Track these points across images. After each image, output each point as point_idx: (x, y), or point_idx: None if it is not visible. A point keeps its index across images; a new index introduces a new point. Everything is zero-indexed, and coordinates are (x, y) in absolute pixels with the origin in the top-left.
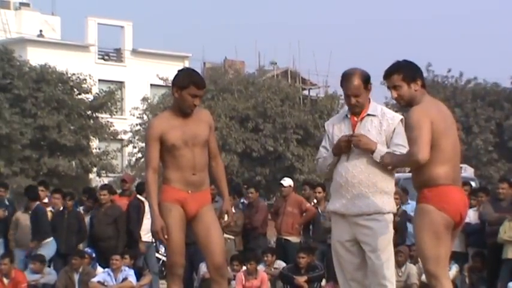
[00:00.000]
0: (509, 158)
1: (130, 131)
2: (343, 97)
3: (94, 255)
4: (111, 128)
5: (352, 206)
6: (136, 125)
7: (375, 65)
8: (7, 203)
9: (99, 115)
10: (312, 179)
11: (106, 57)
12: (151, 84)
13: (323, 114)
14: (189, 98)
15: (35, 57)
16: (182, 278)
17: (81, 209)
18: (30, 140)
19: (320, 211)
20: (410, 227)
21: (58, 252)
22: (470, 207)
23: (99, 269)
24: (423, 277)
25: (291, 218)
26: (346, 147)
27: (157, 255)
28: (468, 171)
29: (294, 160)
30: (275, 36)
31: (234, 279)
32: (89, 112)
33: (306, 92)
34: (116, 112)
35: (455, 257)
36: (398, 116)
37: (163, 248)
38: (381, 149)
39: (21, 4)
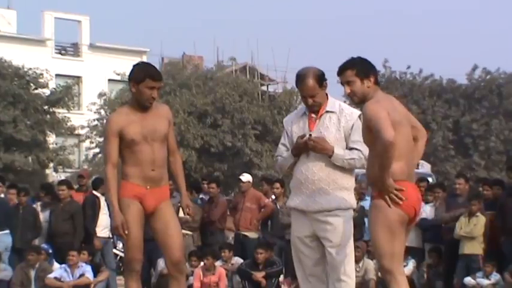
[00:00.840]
0: (465, 154)
1: (88, 126)
2: None
3: (50, 251)
4: (68, 123)
5: (313, 203)
6: (94, 120)
7: (333, 61)
8: None
9: (56, 110)
10: (270, 175)
11: (63, 52)
12: (108, 79)
13: (281, 110)
14: (146, 91)
15: None
16: (140, 274)
17: (38, 204)
18: None
19: (278, 207)
20: (367, 222)
21: (13, 248)
22: (427, 202)
23: (56, 265)
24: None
25: (250, 213)
26: (305, 147)
27: (115, 251)
28: (425, 167)
29: (253, 156)
30: (234, 31)
31: (192, 275)
32: (46, 107)
33: (264, 88)
34: (73, 107)
35: (412, 253)
36: (357, 112)
37: (121, 244)
38: (338, 153)
39: None
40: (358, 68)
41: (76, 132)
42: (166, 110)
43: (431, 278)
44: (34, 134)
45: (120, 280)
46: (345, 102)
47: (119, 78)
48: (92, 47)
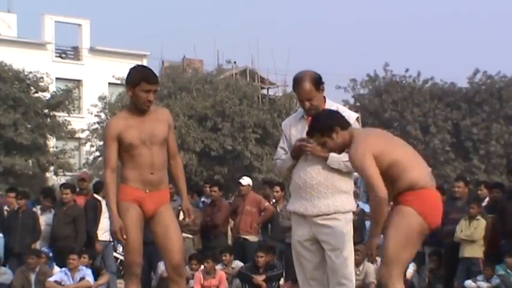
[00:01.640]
0: (465, 158)
1: (88, 130)
2: None
3: (51, 254)
4: (69, 127)
5: (312, 207)
6: (94, 123)
7: (334, 64)
8: None
9: (57, 113)
10: (271, 178)
11: (63, 55)
12: (109, 83)
13: (281, 113)
14: (142, 94)
15: None
16: (140, 277)
17: (38, 208)
18: None
19: (278, 210)
20: (368, 225)
21: (12, 252)
22: None
23: (56, 269)
24: None
25: (250, 217)
26: (304, 150)
27: (115, 254)
28: None
29: (253, 159)
30: (234, 35)
31: (192, 279)
32: (46, 110)
33: (264, 91)
34: (74, 111)
35: None
36: (355, 114)
37: (121, 248)
38: (334, 155)
39: None
40: (319, 130)
41: (76, 135)
42: (166, 114)
43: (431, 281)
44: (34, 137)
45: (120, 284)
46: (344, 105)
47: (119, 82)
48: (92, 50)
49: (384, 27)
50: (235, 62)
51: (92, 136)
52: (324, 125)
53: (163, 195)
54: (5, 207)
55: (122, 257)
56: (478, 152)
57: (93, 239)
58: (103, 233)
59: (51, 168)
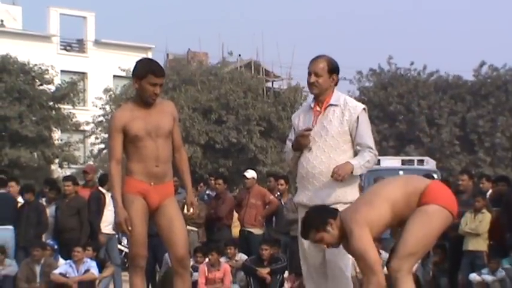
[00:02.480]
0: (471, 151)
1: (93, 122)
2: (306, 89)
3: (56, 246)
4: (74, 119)
5: (315, 197)
6: (99, 116)
7: (339, 58)
8: None
9: (62, 106)
10: (275, 171)
11: (68, 48)
12: (114, 75)
13: (286, 106)
14: (148, 87)
15: None
16: (144, 269)
17: (43, 200)
18: None
19: (283, 203)
20: None
21: (17, 244)
22: None
23: (61, 261)
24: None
25: (254, 209)
26: (305, 142)
27: (119, 246)
28: (430, 164)
29: (257, 152)
30: (239, 28)
31: (197, 271)
32: (51, 103)
33: (269, 84)
34: (78, 103)
35: None
36: (361, 105)
37: (126, 240)
38: (355, 163)
39: None
40: (314, 227)
41: (81, 128)
42: (171, 107)
43: (436, 275)
44: (39, 130)
45: (125, 276)
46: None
47: (124, 74)
48: (97, 43)
49: (388, 20)
50: (239, 55)
51: (96, 129)
52: (317, 221)
53: (168, 188)
54: (19, 199)
55: (126, 250)
56: (483, 144)
57: (96, 231)
58: (107, 225)
59: (56, 160)
